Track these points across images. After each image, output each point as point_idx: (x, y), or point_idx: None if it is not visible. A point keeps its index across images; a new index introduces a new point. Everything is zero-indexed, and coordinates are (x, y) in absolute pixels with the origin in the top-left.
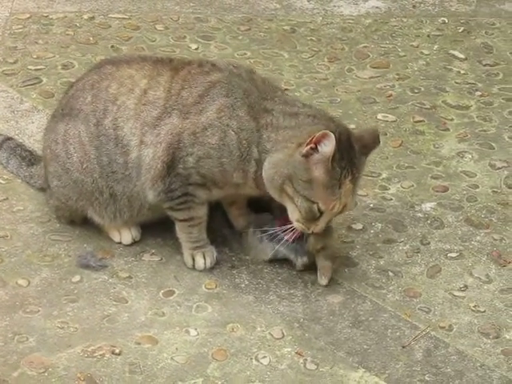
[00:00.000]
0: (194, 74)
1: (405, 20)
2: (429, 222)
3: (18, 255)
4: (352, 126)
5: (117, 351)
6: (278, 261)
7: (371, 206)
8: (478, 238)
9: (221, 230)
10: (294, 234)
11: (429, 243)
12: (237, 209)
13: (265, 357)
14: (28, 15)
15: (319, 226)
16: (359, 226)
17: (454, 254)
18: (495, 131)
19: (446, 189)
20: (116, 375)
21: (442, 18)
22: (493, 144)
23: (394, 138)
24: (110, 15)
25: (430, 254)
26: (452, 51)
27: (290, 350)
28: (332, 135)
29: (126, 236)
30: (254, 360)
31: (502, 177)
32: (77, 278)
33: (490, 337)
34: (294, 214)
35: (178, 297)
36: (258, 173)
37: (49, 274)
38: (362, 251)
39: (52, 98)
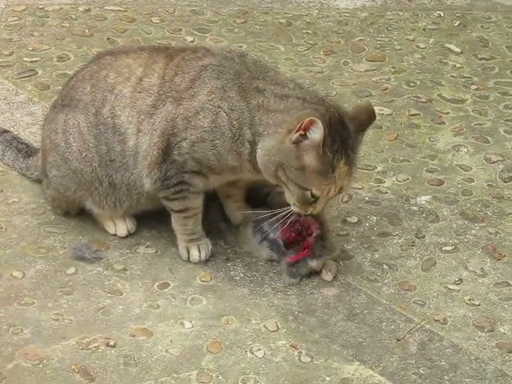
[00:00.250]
0: (187, 60)
1: (401, 13)
2: (424, 215)
3: (12, 247)
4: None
5: (111, 343)
6: None
7: (366, 199)
8: (473, 231)
9: (216, 222)
10: (295, 257)
11: (424, 236)
12: (233, 202)
13: (259, 349)
14: (23, 7)
15: (317, 208)
16: (354, 219)
17: (448, 248)
18: (491, 125)
19: (441, 182)
20: (110, 367)
21: (438, 12)
22: (488, 138)
23: (390, 131)
24: (105, 7)
25: (424, 248)
26: (448, 45)
27: (284, 342)
28: (319, 122)
29: (121, 228)
30: (248, 352)
31: (497, 170)
32: (72, 270)
33: (485, 330)
34: (290, 198)
35: (173, 289)
36: (253, 154)
37: (44, 265)
38: (356, 244)
39: (47, 90)
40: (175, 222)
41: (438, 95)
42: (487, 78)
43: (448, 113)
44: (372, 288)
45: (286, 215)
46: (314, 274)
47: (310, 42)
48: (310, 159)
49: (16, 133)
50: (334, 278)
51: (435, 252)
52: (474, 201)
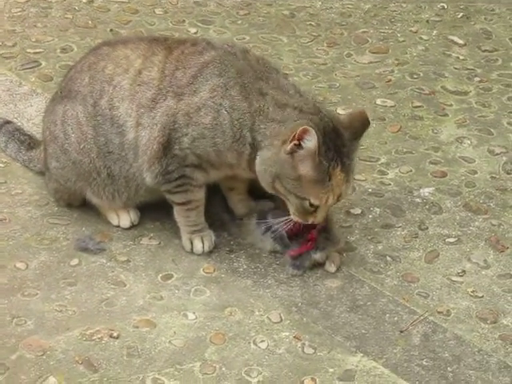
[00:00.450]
0: (188, 54)
1: (404, 5)
2: (427, 207)
3: (16, 238)
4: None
5: (115, 335)
6: None
7: (370, 190)
8: (477, 223)
9: (219, 214)
10: (299, 250)
11: (427, 228)
12: (236, 195)
13: (263, 341)
14: None
15: (317, 217)
16: (357, 211)
17: (452, 240)
18: (494, 117)
19: (444, 174)
20: (114, 358)
21: (441, 4)
22: (491, 130)
23: (393, 123)
24: None
25: (428, 239)
26: (451, 37)
27: (287, 334)
28: (312, 130)
29: (125, 219)
30: (252, 344)
31: (500, 162)
32: (75, 261)
33: (488, 322)
34: (290, 207)
35: (177, 280)
36: (252, 156)
37: (47, 257)
38: (360, 236)
39: (51, 81)
40: (178, 214)
41: (442, 87)
42: (490, 70)
43: (451, 105)
44: (375, 280)
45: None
46: (318, 265)
47: (314, 33)
48: (305, 169)
49: (19, 124)
50: (338, 269)
51: (438, 244)
52: (478, 193)
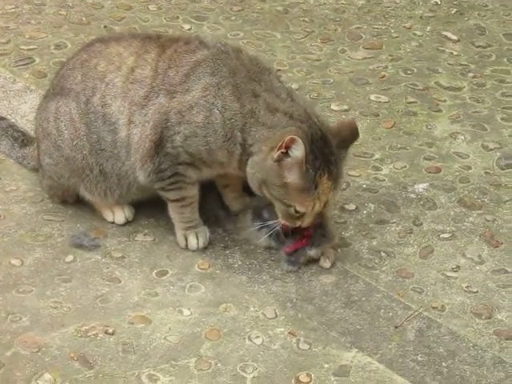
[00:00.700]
0: (180, 53)
1: (397, 1)
2: (421, 202)
3: (11, 235)
4: (345, 107)
5: (110, 331)
6: None
7: (364, 186)
8: (471, 218)
9: (214, 210)
10: (294, 246)
11: (421, 224)
12: (232, 191)
13: (258, 337)
14: None
15: (304, 222)
16: (352, 207)
17: (446, 235)
18: (488, 112)
19: (438, 170)
20: (109, 355)
21: (435, 0)
22: (485, 125)
23: (387, 119)
24: None
25: (422, 235)
26: (445, 32)
27: (282, 329)
28: (299, 140)
29: (120, 216)
30: (247, 340)
31: (494, 158)
32: (70, 257)
33: (483, 317)
34: (278, 211)
35: (171, 277)
36: (243, 157)
37: (42, 253)
38: (354, 232)
39: (45, 78)
40: (172, 210)
41: (435, 83)
42: (484, 66)
43: (445, 100)
44: (370, 275)
45: None
46: (313, 261)
47: (307, 29)
48: (292, 177)
49: (13, 121)
50: (332, 265)
51: (433, 239)
52: (472, 188)
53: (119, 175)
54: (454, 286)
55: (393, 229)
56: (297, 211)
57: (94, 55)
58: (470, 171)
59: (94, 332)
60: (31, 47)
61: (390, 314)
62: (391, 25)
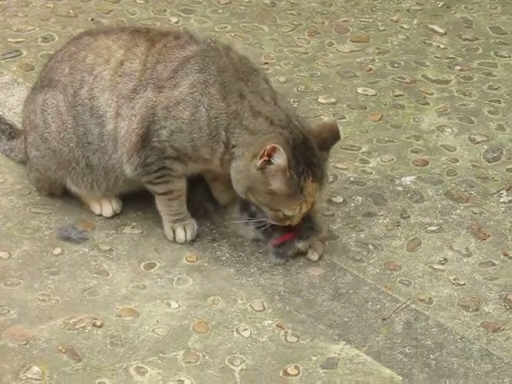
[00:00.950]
0: (170, 48)
1: None
2: (409, 195)
3: None
4: (332, 100)
5: (98, 323)
6: None
7: (351, 179)
8: (458, 211)
9: (202, 203)
10: (282, 239)
11: (409, 217)
12: (220, 184)
13: (246, 329)
14: None
15: (293, 222)
16: (339, 200)
17: (433, 228)
18: (475, 105)
19: (425, 163)
20: (97, 347)
21: None
22: (472, 118)
23: (374, 111)
24: None
25: (410, 228)
26: (432, 26)
27: (270, 322)
28: (281, 148)
29: (107, 208)
30: (234, 332)
31: (481, 151)
32: (58, 250)
33: (470, 309)
34: (266, 213)
35: (159, 269)
36: (225, 156)
37: (30, 246)
38: (342, 224)
39: (32, 70)
40: (159, 203)
41: (423, 76)
42: (471, 59)
43: (432, 93)
44: (357, 268)
45: None
46: (300, 254)
47: (295, 22)
48: (277, 183)
49: (1, 113)
50: (320, 258)
51: (420, 232)
52: (459, 181)
53: (106, 168)
54: (441, 279)
55: (380, 221)
56: (285, 215)
57: (83, 48)
58: (457, 164)
59: (82, 325)
60: (18, 40)
61: (378, 306)
62: (378, 18)
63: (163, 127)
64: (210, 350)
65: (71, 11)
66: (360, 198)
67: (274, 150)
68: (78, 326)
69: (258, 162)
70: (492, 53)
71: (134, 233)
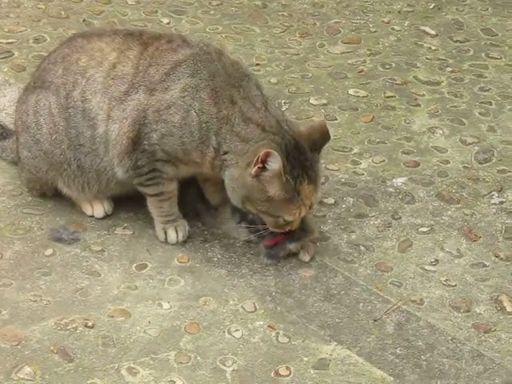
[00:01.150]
0: (162, 51)
1: None
2: (400, 196)
3: None
4: (323, 101)
5: (90, 324)
6: None
7: (343, 180)
8: (449, 212)
9: (194, 204)
10: (273, 240)
11: (400, 218)
12: (212, 185)
13: (237, 330)
14: None
15: (293, 226)
16: (331, 201)
17: (425, 229)
18: (466, 107)
19: (417, 164)
20: (89, 348)
21: None
22: (463, 120)
23: (366, 113)
24: None
25: (401, 229)
26: (423, 27)
27: (262, 323)
28: (275, 153)
29: (99, 209)
30: (226, 333)
31: (472, 152)
32: (49, 251)
33: (461, 311)
34: (266, 222)
35: (151, 270)
36: (215, 161)
37: (21, 247)
38: (333, 225)
39: (24, 71)
40: (151, 204)
41: (414, 77)
42: (462, 61)
43: (423, 95)
44: (349, 269)
45: None
46: (292, 255)
47: (286, 24)
48: (274, 190)
49: None
50: (312, 259)
51: (411, 233)
52: (450, 182)
53: (98, 171)
54: (432, 280)
55: (372, 223)
56: (285, 220)
57: (76, 50)
58: (448, 165)
59: (73, 325)
60: (10, 41)
61: (369, 307)
62: (370, 19)
63: (154, 130)
64: (202, 350)
65: (63, 12)
66: (351, 199)
67: (267, 155)
68: (69, 327)
69: (253, 170)
70: (483, 54)
71: (125, 234)
